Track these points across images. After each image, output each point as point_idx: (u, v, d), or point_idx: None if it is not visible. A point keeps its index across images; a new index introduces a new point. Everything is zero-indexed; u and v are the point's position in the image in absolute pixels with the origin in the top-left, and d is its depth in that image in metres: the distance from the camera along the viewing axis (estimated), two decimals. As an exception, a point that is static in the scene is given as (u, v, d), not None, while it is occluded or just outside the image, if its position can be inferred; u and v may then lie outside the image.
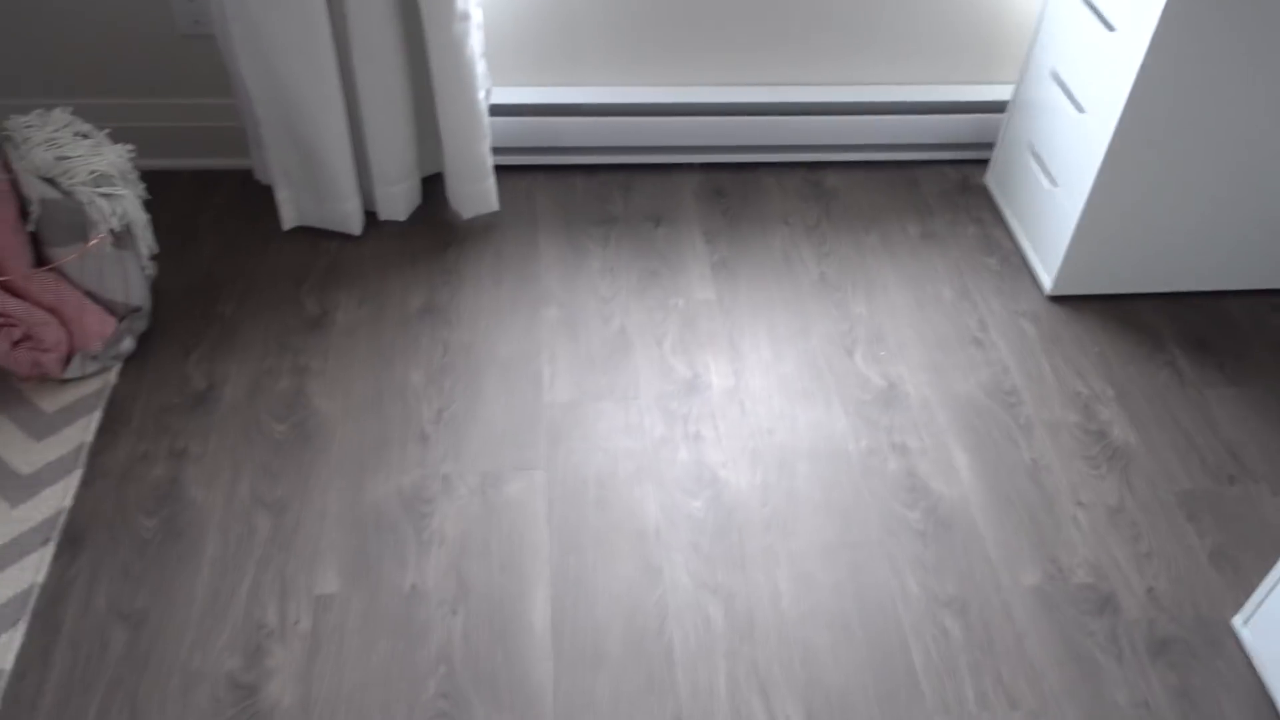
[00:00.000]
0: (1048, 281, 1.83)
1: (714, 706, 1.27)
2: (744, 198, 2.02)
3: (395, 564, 1.40)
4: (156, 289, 1.77)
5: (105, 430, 1.56)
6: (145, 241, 1.64)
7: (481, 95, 1.77)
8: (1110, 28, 1.62)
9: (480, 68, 1.75)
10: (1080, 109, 1.71)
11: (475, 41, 1.71)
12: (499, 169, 2.05)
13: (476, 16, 1.71)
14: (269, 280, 1.80)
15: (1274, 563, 1.44)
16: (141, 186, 1.63)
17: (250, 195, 1.96)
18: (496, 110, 1.96)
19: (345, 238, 1.89)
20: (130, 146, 1.60)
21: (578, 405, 1.62)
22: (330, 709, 1.25)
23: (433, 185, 2.01)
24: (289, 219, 1.88)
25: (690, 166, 2.08)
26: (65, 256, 1.54)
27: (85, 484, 1.49)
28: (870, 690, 1.30)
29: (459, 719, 1.25)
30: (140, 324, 1.67)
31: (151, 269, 1.70)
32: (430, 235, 1.91)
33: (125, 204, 1.56)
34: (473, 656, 1.31)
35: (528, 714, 1.26)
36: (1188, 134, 1.62)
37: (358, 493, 1.49)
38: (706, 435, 1.58)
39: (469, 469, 1.52)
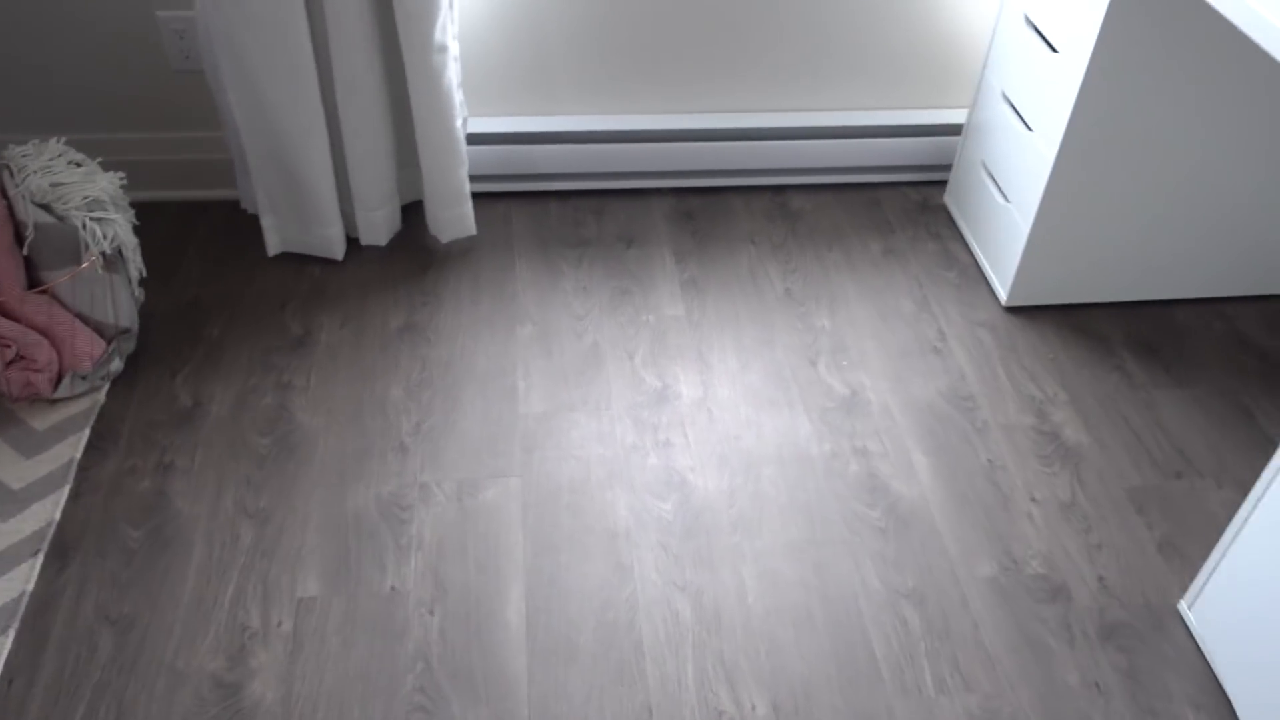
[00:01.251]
0: (1003, 293, 1.91)
1: (682, 696, 1.32)
2: (712, 219, 2.10)
3: (375, 567, 1.46)
4: (145, 312, 1.83)
5: (94, 446, 1.61)
6: (135, 265, 1.71)
7: (459, 124, 1.85)
8: (1054, 49, 1.72)
9: (458, 98, 1.83)
10: (1029, 128, 1.80)
11: (452, 72, 1.79)
12: (476, 195, 2.13)
13: (454, 49, 1.79)
14: (254, 304, 1.87)
15: (1220, 552, 1.50)
16: (132, 212, 1.70)
17: (237, 223, 2.04)
18: (474, 139, 2.04)
19: (328, 262, 1.96)
20: (121, 174, 1.67)
21: (551, 416, 1.68)
22: (311, 705, 1.30)
23: (413, 211, 2.08)
24: (274, 245, 1.95)
25: (661, 191, 2.16)
26: (58, 279, 1.61)
27: (74, 498, 1.54)
28: (833, 678, 1.35)
29: (436, 713, 1.30)
30: (129, 345, 1.74)
31: (141, 293, 1.77)
32: (410, 259, 1.98)
33: (116, 228, 1.62)
34: (449, 653, 1.36)
35: (503, 706, 1.30)
36: (1129, 149, 1.71)
37: (339, 501, 1.54)
38: (676, 442, 1.65)
39: (446, 477, 1.58)
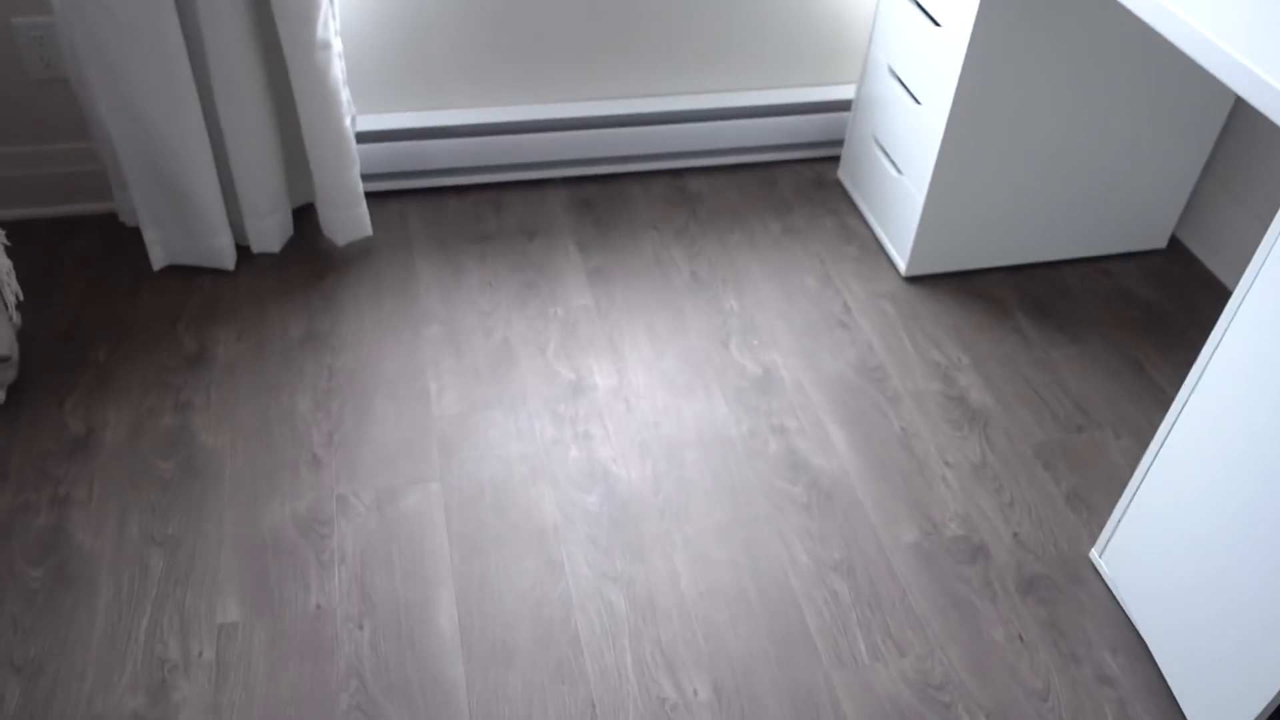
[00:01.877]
0: (902, 264, 1.95)
1: (624, 688, 1.32)
2: (612, 207, 2.09)
3: (297, 586, 1.41)
4: (24, 337, 1.73)
5: (-19, 484, 1.52)
6: (10, 289, 1.61)
7: (348, 123, 1.80)
8: (936, 24, 1.76)
9: (344, 95, 1.78)
10: (917, 101, 1.84)
11: (337, 70, 1.74)
12: (370, 195, 2.07)
13: (337, 45, 1.73)
14: (143, 321, 1.78)
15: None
16: (2, 233, 1.60)
17: (116, 238, 1.94)
18: (363, 137, 1.99)
19: (219, 273, 1.88)
20: (-14, 194, 1.57)
21: (467, 416, 1.65)
22: (243, 734, 1.25)
23: (305, 215, 2.02)
24: (159, 259, 1.86)
25: (558, 180, 2.14)
26: (-75, 310, 1.51)
27: (-36, 540, 1.45)
28: (771, 655, 1.36)
29: (375, 729, 1.27)
30: (9, 374, 1.64)
31: (17, 318, 1.67)
32: (306, 264, 1.92)
33: (-15, 252, 1.53)
34: (383, 667, 1.33)
35: (443, 714, 1.28)
36: (1013, 119, 1.76)
37: (253, 521, 1.49)
38: (595, 434, 1.64)
39: (363, 487, 1.54)
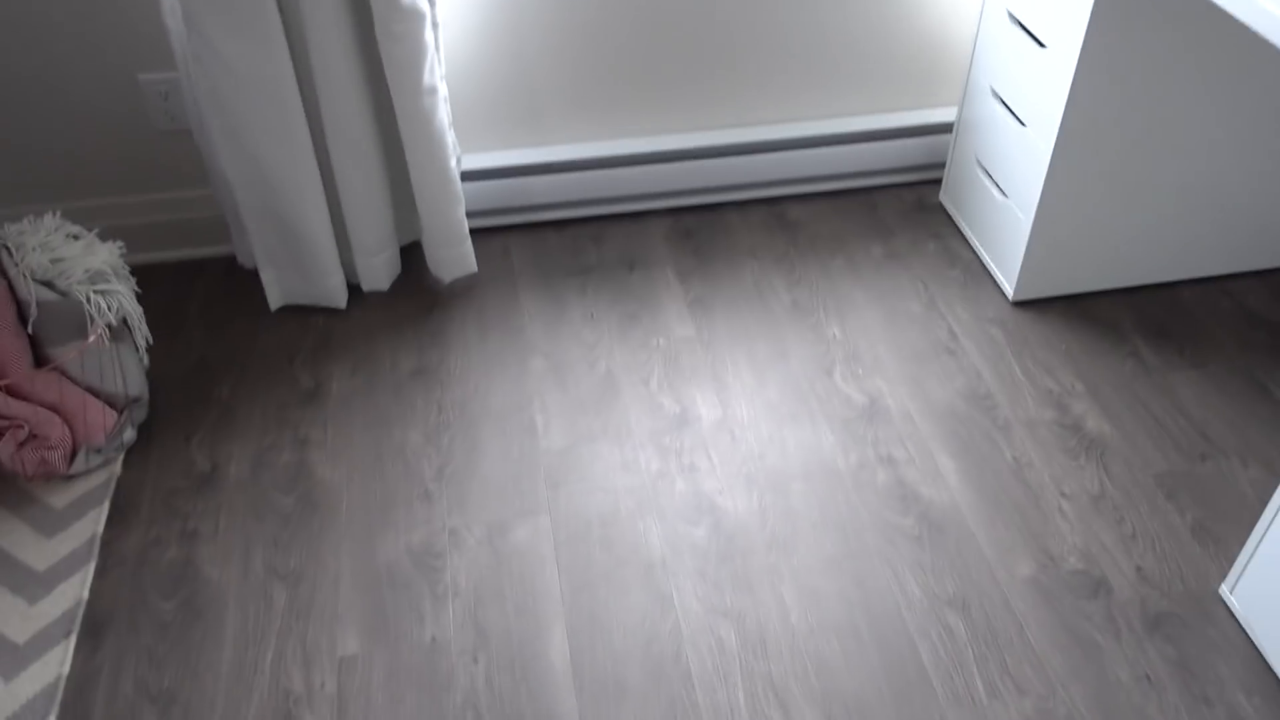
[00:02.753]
0: (1009, 288, 1.91)
1: (736, 724, 1.32)
2: (712, 236, 2.09)
3: (413, 619, 1.44)
4: (153, 378, 1.82)
5: (115, 519, 1.60)
6: (140, 333, 1.69)
7: (453, 164, 1.84)
8: (1041, 45, 1.72)
9: (450, 138, 1.83)
10: (1022, 123, 1.80)
11: (443, 113, 1.79)
12: (474, 231, 2.12)
13: (442, 90, 1.78)
14: (261, 360, 1.86)
15: (1252, 531, 1.50)
16: (133, 280, 1.68)
17: (236, 279, 2.02)
18: (468, 175, 2.03)
19: (332, 312, 1.95)
20: (120, 242, 1.66)
21: (573, 449, 1.67)
22: (364, 765, 1.29)
23: (412, 253, 2.07)
24: (275, 299, 1.93)
25: (658, 211, 2.16)
26: (65, 355, 1.59)
27: (100, 574, 1.52)
28: (884, 692, 1.34)
29: (490, 762, 1.28)
30: (140, 413, 1.72)
31: (146, 360, 1.75)
32: (414, 301, 1.97)
33: (120, 299, 1.61)
34: (498, 700, 1.35)
35: (557, 750, 1.29)
36: (1126, 139, 1.71)
37: (369, 555, 1.53)
38: (701, 465, 1.64)
39: (474, 520, 1.57)
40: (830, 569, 1.49)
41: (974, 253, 2.03)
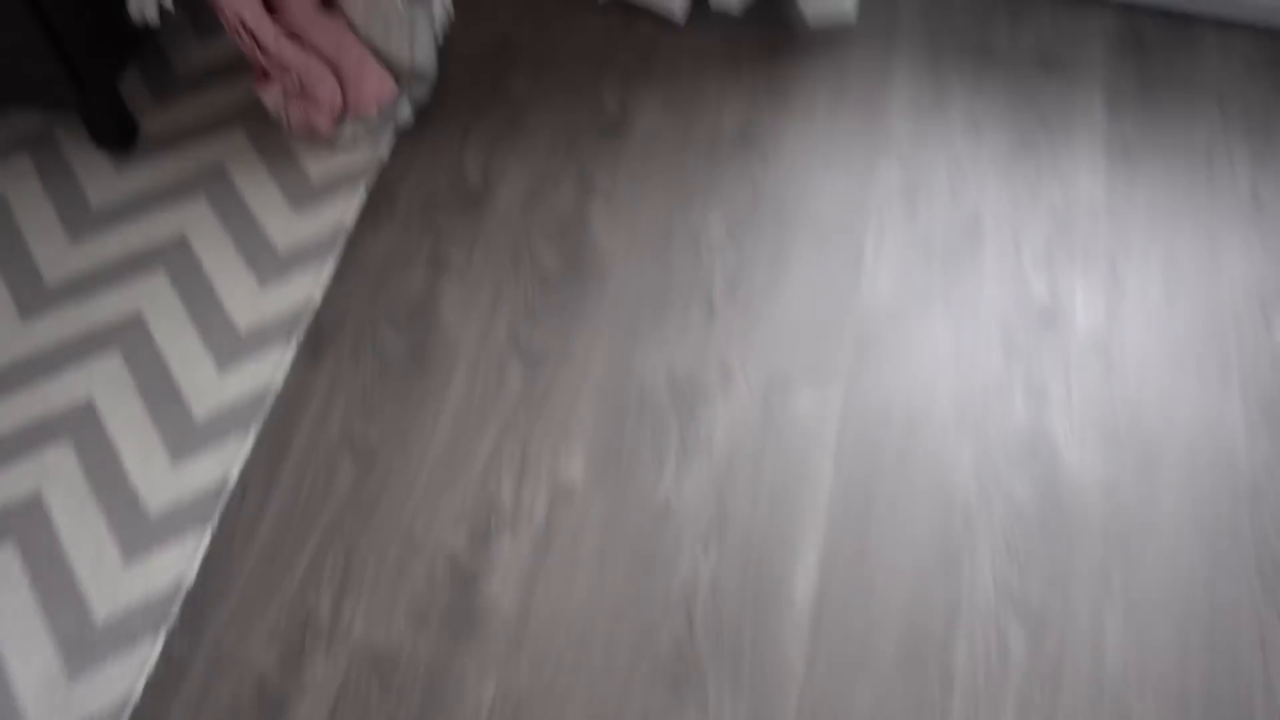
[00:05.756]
0: None
1: (988, 753, 1.05)
2: (1171, 59, 1.53)
3: (652, 466, 1.20)
4: (444, 57, 1.53)
5: (367, 215, 1.39)
6: (443, 4, 1.39)
7: None
8: None
9: None
10: None
11: None
12: (865, -39, 1.63)
13: None
14: (569, 59, 1.53)
15: None
16: (443, -69, 1.36)
17: (565, -57, 1.65)
18: (883, -115, 1.52)
19: (664, 23, 1.57)
20: (440, -122, 1.31)
21: (900, 307, 1.31)
22: (549, 630, 1.10)
23: (779, -31, 1.62)
24: (604, -15, 1.57)
25: (1106, 2, 1.59)
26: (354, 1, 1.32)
27: (338, 278, 1.34)
28: (1191, 794, 1.03)
29: (689, 691, 1.07)
30: (421, 92, 1.45)
31: (441, 36, 1.45)
32: (762, 37, 1.55)
33: (424, -46, 1.29)
34: (718, 615, 1.11)
35: (766, 708, 1.06)
36: None
37: (624, 363, 1.27)
38: (1054, 391, 1.25)
39: (755, 363, 1.27)
40: (1178, 603, 1.12)
41: None
